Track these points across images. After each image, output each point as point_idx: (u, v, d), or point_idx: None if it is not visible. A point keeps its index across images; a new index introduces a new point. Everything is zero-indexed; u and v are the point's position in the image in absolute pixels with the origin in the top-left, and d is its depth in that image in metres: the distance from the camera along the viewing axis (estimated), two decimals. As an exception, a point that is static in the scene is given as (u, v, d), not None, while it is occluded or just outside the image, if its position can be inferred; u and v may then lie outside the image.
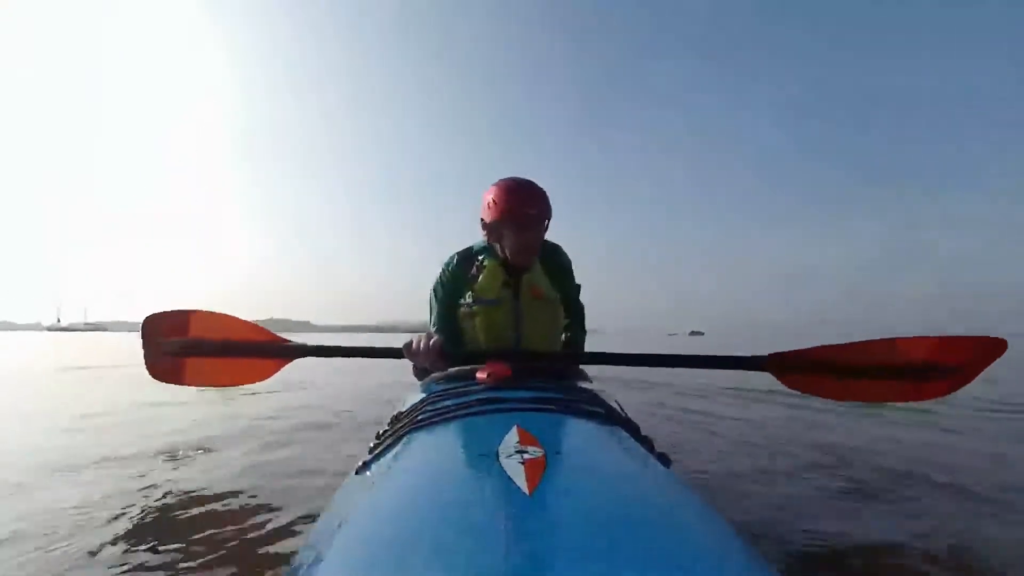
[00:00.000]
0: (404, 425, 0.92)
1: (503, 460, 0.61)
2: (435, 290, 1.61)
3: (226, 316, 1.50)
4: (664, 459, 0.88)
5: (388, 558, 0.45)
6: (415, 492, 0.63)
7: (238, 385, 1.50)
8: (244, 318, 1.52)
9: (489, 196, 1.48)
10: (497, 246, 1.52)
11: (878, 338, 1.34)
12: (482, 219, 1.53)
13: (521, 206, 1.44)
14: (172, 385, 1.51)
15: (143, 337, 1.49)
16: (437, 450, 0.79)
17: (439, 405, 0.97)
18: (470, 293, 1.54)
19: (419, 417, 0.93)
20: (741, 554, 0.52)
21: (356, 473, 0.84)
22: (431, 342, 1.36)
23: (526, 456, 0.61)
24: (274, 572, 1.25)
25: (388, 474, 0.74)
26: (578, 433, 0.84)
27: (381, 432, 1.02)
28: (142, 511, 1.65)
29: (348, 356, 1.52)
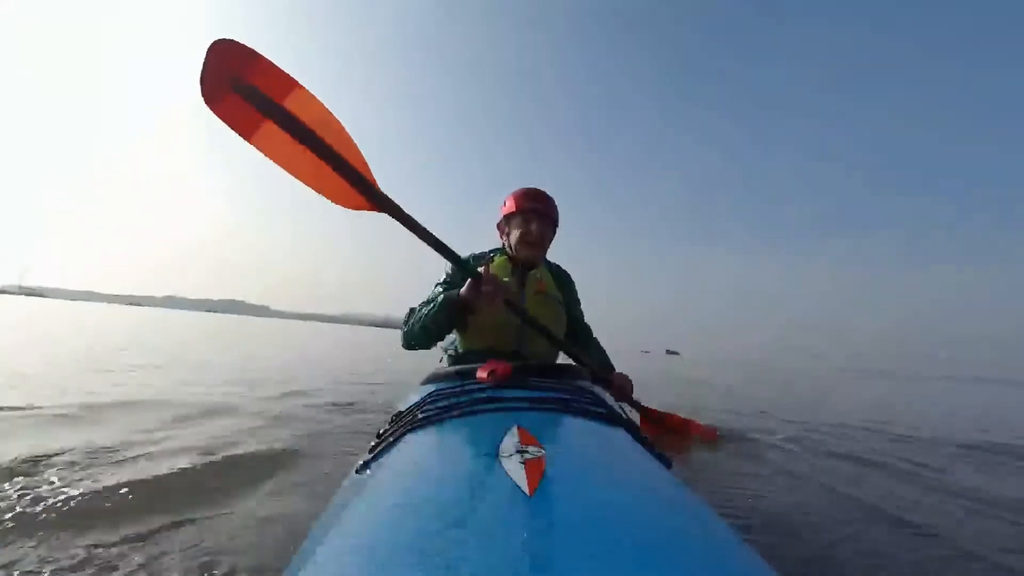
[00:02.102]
0: (404, 424, 0.92)
1: (504, 460, 0.61)
2: (445, 276, 1.66)
3: (331, 114, 1.28)
4: (664, 460, 0.88)
5: (388, 558, 0.45)
6: (415, 492, 0.63)
7: (302, 182, 1.26)
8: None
9: (504, 199, 1.70)
10: (507, 243, 1.68)
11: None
12: (498, 223, 1.72)
13: (528, 200, 1.64)
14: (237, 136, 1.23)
15: (217, 56, 1.21)
16: (437, 450, 0.79)
17: (439, 404, 0.97)
18: None
19: (419, 416, 0.93)
20: (741, 555, 0.52)
21: (356, 472, 0.84)
22: (503, 281, 1.35)
23: (527, 456, 0.61)
24: (274, 571, 1.24)
25: (388, 473, 0.74)
26: (579, 433, 0.84)
27: (381, 431, 1.02)
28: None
29: (412, 231, 1.34)
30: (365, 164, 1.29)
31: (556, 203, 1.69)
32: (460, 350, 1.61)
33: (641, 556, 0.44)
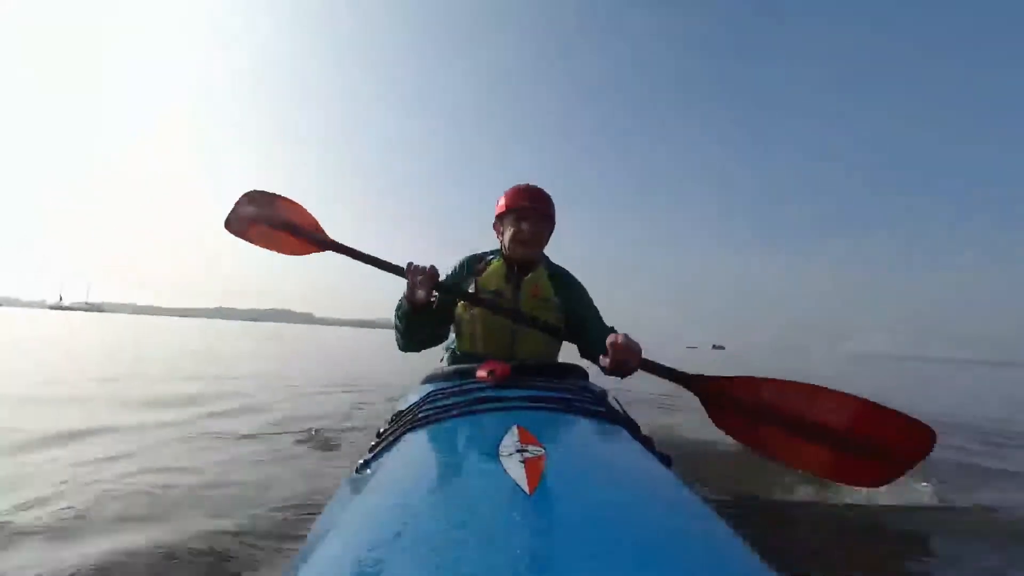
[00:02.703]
0: (404, 423, 0.92)
1: (503, 459, 0.61)
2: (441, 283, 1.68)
3: (293, 203, 1.81)
4: (665, 458, 0.88)
5: (388, 557, 0.45)
6: (415, 491, 0.63)
7: (281, 253, 1.78)
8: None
9: (499, 197, 1.65)
10: (502, 243, 1.63)
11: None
12: (493, 223, 1.67)
13: (519, 199, 1.60)
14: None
15: (237, 204, 1.80)
16: (437, 449, 0.79)
17: (439, 403, 0.97)
18: (473, 286, 1.58)
19: (419, 415, 0.93)
20: (741, 554, 0.51)
21: (356, 472, 0.84)
22: (429, 267, 1.45)
23: (526, 455, 0.61)
24: (275, 571, 1.24)
25: (388, 473, 0.74)
26: (579, 432, 0.84)
27: (381, 431, 1.02)
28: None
29: (359, 260, 1.69)
30: (319, 227, 1.81)
31: (551, 198, 1.63)
32: (458, 352, 1.61)
33: (641, 556, 0.44)
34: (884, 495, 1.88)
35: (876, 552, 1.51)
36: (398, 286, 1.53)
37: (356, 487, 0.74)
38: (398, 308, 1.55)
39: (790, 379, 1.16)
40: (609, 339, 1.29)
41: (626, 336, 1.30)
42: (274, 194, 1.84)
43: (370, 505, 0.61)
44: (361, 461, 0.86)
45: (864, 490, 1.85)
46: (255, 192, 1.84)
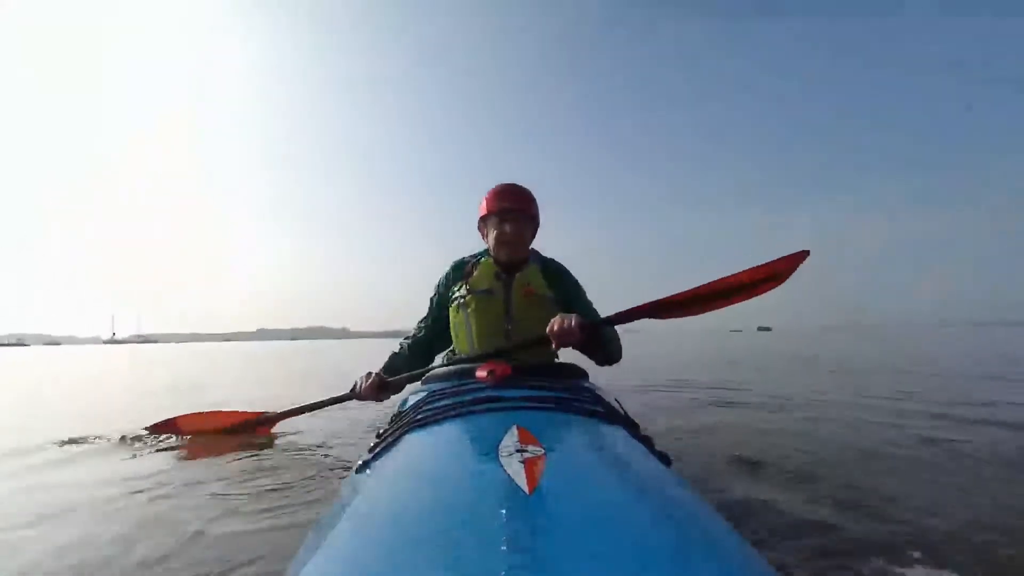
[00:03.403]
0: (404, 424, 0.93)
1: (503, 459, 0.61)
2: (432, 297, 1.76)
3: (211, 413, 2.42)
4: (664, 458, 0.88)
5: (388, 557, 0.45)
6: (415, 491, 0.63)
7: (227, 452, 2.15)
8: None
9: (482, 199, 1.66)
10: (488, 243, 1.65)
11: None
12: (478, 225, 1.69)
13: (500, 200, 1.60)
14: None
15: (163, 427, 2.45)
16: (437, 449, 0.79)
17: (439, 404, 0.97)
18: (465, 286, 1.60)
19: (419, 416, 0.93)
20: (741, 553, 0.52)
21: (356, 472, 0.84)
22: (369, 379, 1.62)
23: (526, 455, 0.62)
24: (274, 571, 1.24)
25: (388, 473, 0.74)
26: (578, 432, 0.84)
27: (381, 431, 1.02)
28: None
29: (305, 412, 1.97)
30: (243, 416, 2.41)
31: (532, 195, 1.64)
32: (456, 352, 1.62)
33: (641, 555, 0.44)
34: (887, 489, 1.88)
35: (877, 552, 1.51)
36: (422, 292, 1.74)
37: (356, 487, 0.74)
38: (342, 398, 1.80)
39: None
40: (548, 328, 1.34)
41: (561, 318, 1.33)
42: (185, 418, 2.41)
43: (370, 506, 0.61)
44: (361, 462, 0.86)
45: (863, 488, 1.85)
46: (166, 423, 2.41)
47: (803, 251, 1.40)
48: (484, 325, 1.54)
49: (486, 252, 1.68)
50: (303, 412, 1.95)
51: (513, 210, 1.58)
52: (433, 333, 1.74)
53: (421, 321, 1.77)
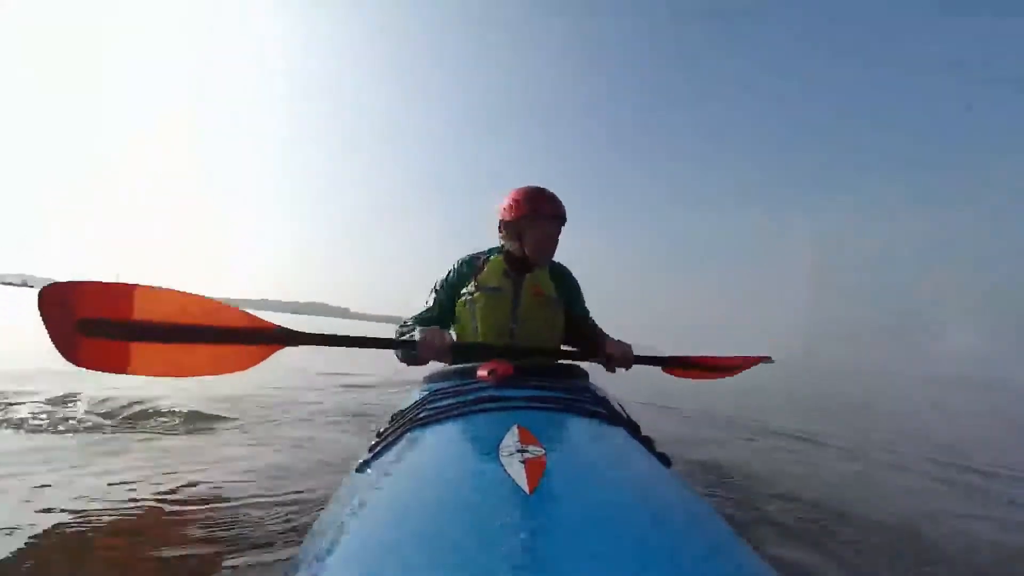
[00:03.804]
0: (405, 424, 0.92)
1: (504, 459, 0.61)
2: (437, 284, 1.70)
3: (185, 294, 1.23)
4: (664, 459, 0.88)
5: (388, 557, 0.45)
6: (415, 491, 0.63)
7: (202, 375, 1.24)
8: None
9: (510, 198, 1.61)
10: (510, 245, 1.61)
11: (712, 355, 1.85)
12: (501, 220, 1.63)
13: (544, 204, 1.59)
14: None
15: (50, 307, 1.15)
16: (437, 449, 0.79)
17: (440, 403, 0.97)
18: (473, 283, 1.59)
19: (419, 415, 0.93)
20: (740, 554, 0.51)
21: (356, 472, 0.84)
22: (445, 336, 1.38)
23: (527, 455, 0.61)
24: (275, 572, 1.24)
25: (388, 473, 0.74)
26: (579, 432, 0.84)
27: (381, 431, 1.02)
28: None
29: (350, 346, 1.33)
30: (247, 316, 1.26)
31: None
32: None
33: (641, 556, 0.44)
34: (893, 502, 1.87)
35: (876, 551, 1.51)
36: (426, 280, 1.63)
37: (356, 487, 0.74)
38: (402, 343, 1.42)
39: None
40: (608, 348, 1.50)
41: (618, 343, 1.53)
42: (126, 285, 1.20)
43: (370, 505, 0.61)
44: (361, 461, 0.86)
45: (864, 490, 1.86)
46: (76, 285, 1.18)
47: (766, 356, 1.82)
48: (490, 323, 1.55)
49: (497, 250, 1.68)
50: (337, 344, 1.31)
51: (556, 216, 1.59)
52: (440, 320, 1.67)
53: (427, 311, 1.68)
